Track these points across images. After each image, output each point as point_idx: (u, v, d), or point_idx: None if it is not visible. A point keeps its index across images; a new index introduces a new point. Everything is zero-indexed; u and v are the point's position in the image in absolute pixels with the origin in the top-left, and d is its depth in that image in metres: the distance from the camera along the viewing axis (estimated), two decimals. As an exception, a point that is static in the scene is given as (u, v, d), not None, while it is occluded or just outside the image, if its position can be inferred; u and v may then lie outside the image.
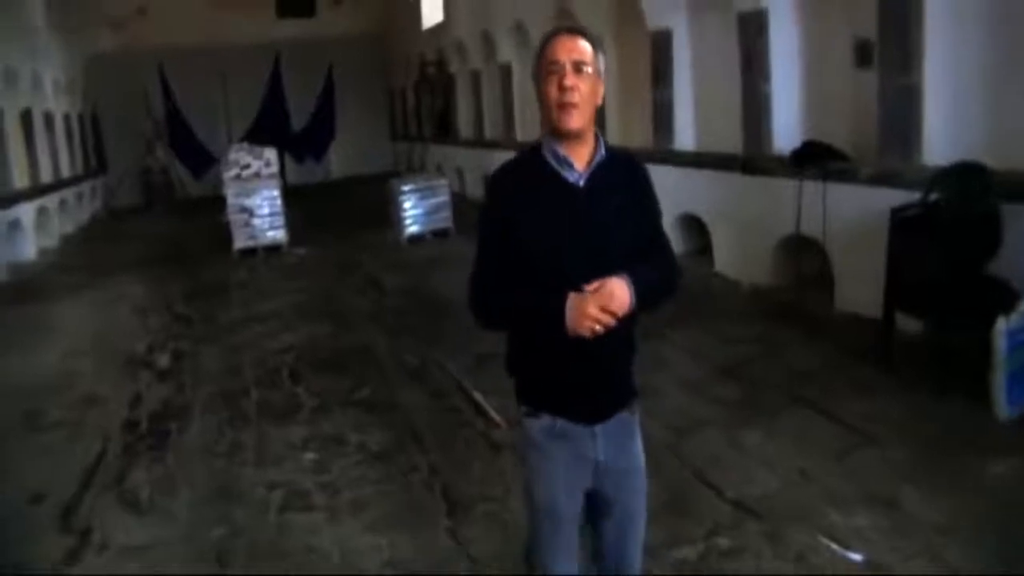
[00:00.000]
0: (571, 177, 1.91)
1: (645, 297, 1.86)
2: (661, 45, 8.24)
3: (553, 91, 1.86)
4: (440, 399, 4.96)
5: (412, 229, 10.67)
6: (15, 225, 11.58)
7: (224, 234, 11.65)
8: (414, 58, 18.96)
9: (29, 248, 11.99)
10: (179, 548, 3.47)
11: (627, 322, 1.89)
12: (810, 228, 6.16)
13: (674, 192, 6.95)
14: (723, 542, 3.12)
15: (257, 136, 16.28)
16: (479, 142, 14.74)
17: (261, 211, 10.87)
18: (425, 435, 4.39)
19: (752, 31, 6.90)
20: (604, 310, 1.79)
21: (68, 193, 15.04)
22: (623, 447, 2.04)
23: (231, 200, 10.91)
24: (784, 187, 6.39)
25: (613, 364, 2.00)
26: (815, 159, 6.16)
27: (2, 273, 10.52)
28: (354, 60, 21.66)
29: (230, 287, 9.04)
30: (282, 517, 3.65)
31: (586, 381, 1.97)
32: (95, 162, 18.77)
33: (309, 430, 4.64)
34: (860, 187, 5.69)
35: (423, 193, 10.81)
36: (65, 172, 15.25)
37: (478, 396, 4.83)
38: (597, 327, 1.80)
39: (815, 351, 5.16)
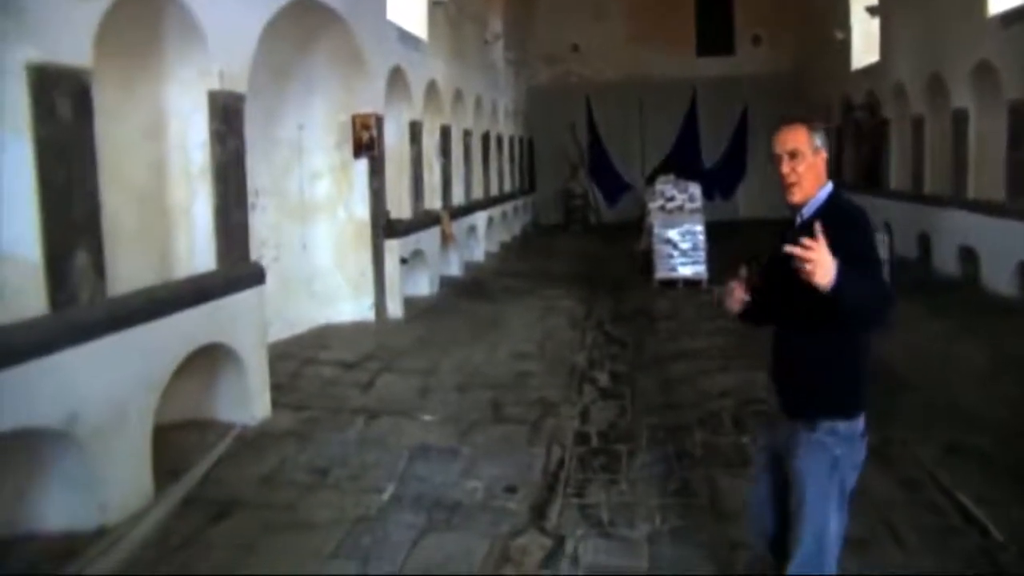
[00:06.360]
0: (796, 221, 2.67)
1: (846, 287, 2.24)
2: None
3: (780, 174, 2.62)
4: (912, 491, 4.36)
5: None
6: (472, 230, 13.48)
7: (641, 261, 12.14)
8: (835, 100, 17.81)
9: (479, 251, 13.88)
10: (650, 588, 3.51)
11: (813, 339, 2.62)
12: None
13: None
14: None
15: (669, 169, 16.67)
16: (916, 196, 13.23)
17: (683, 244, 11.03)
18: (906, 536, 3.87)
19: None
20: (808, 259, 2.24)
21: (508, 207, 17.12)
22: (792, 450, 2.66)
23: (656, 230, 11.23)
24: None
25: (793, 372, 2.73)
26: None
27: (460, 269, 12.28)
28: (767, 99, 21.08)
29: (655, 317, 9.28)
30: (755, 583, 3.48)
31: (774, 375, 2.85)
32: (527, 181, 21.06)
33: (764, 490, 4.43)
34: None
35: (859, 247, 9.94)
36: (507, 188, 17.39)
37: (965, 499, 4.17)
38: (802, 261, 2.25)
39: None
